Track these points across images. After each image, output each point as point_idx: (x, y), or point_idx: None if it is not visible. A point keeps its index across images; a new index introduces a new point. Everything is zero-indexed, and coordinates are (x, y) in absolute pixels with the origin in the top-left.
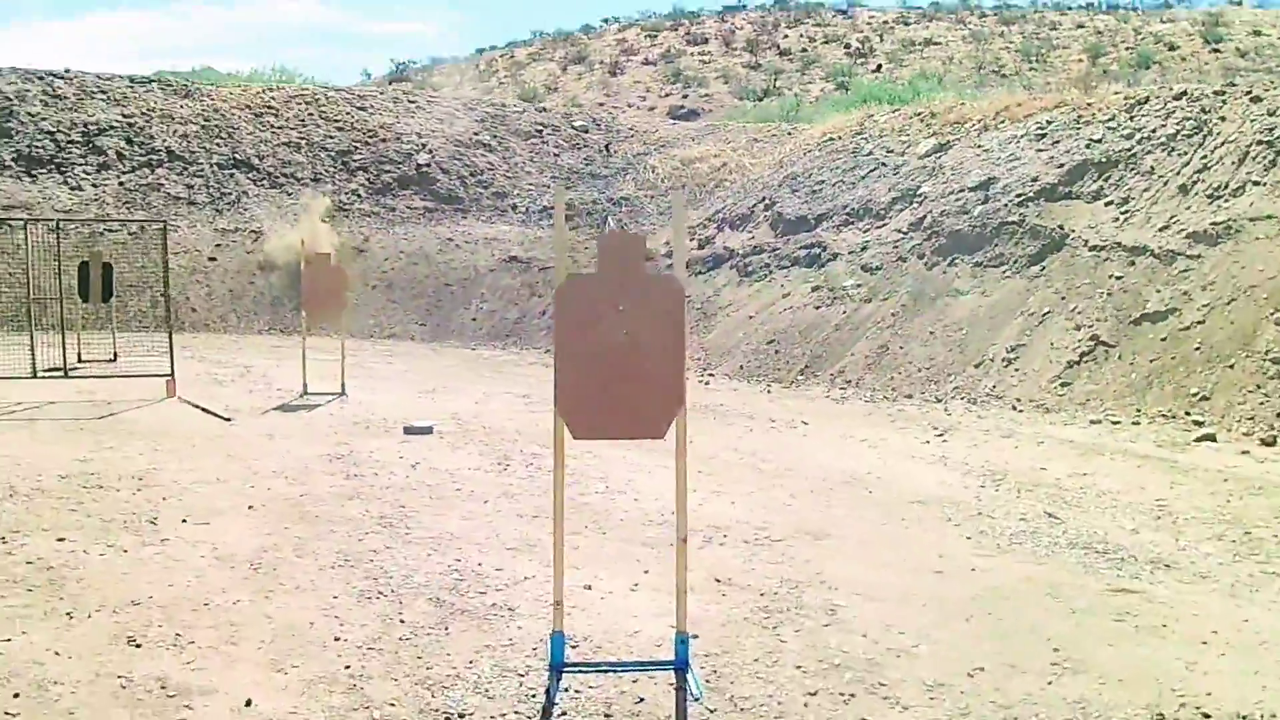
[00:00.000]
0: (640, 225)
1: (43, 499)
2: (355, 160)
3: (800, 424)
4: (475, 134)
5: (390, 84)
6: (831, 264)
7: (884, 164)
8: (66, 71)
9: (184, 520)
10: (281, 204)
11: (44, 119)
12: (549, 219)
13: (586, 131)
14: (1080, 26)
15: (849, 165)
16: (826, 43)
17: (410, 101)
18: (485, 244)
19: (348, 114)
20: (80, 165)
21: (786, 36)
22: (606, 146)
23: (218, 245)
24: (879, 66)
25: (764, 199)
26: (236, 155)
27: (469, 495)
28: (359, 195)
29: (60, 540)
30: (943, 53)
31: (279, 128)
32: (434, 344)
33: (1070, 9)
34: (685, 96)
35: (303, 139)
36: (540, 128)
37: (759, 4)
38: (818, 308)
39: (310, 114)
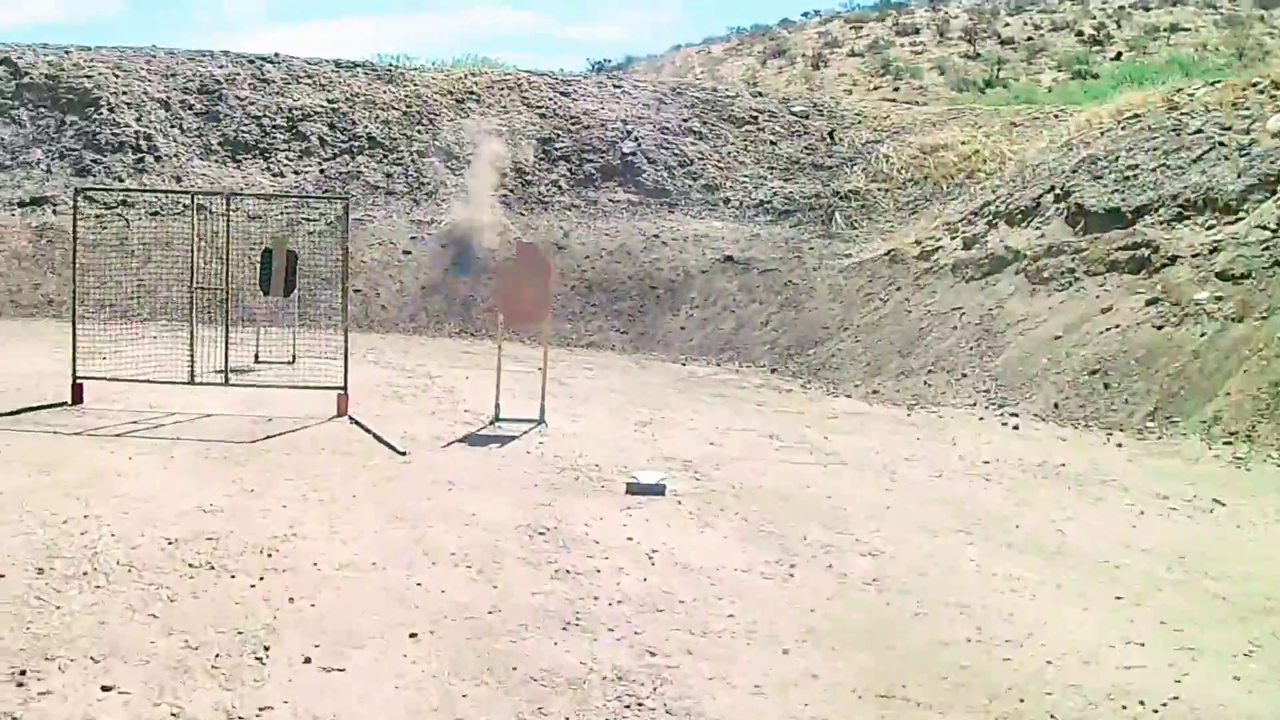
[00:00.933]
0: (874, 222)
1: (126, 584)
2: (557, 149)
3: (1212, 504)
4: (684, 120)
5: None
6: (1169, 270)
7: (1222, 143)
8: (275, 55)
9: (307, 660)
10: (477, 192)
11: (251, 103)
12: (767, 214)
13: (807, 118)
14: None
15: (1170, 146)
16: (1055, 30)
17: (615, 86)
18: (695, 242)
19: (550, 99)
20: (283, 151)
21: (1008, 24)
22: (830, 134)
23: (413, 238)
24: (1119, 54)
25: (1053, 188)
26: (436, 142)
27: (751, 631)
28: (559, 187)
29: (104, 692)
30: (1193, 39)
31: (480, 114)
32: (638, 355)
33: None
34: (896, 89)
35: (504, 125)
36: (756, 114)
37: None
38: (1159, 327)
39: (512, 100)
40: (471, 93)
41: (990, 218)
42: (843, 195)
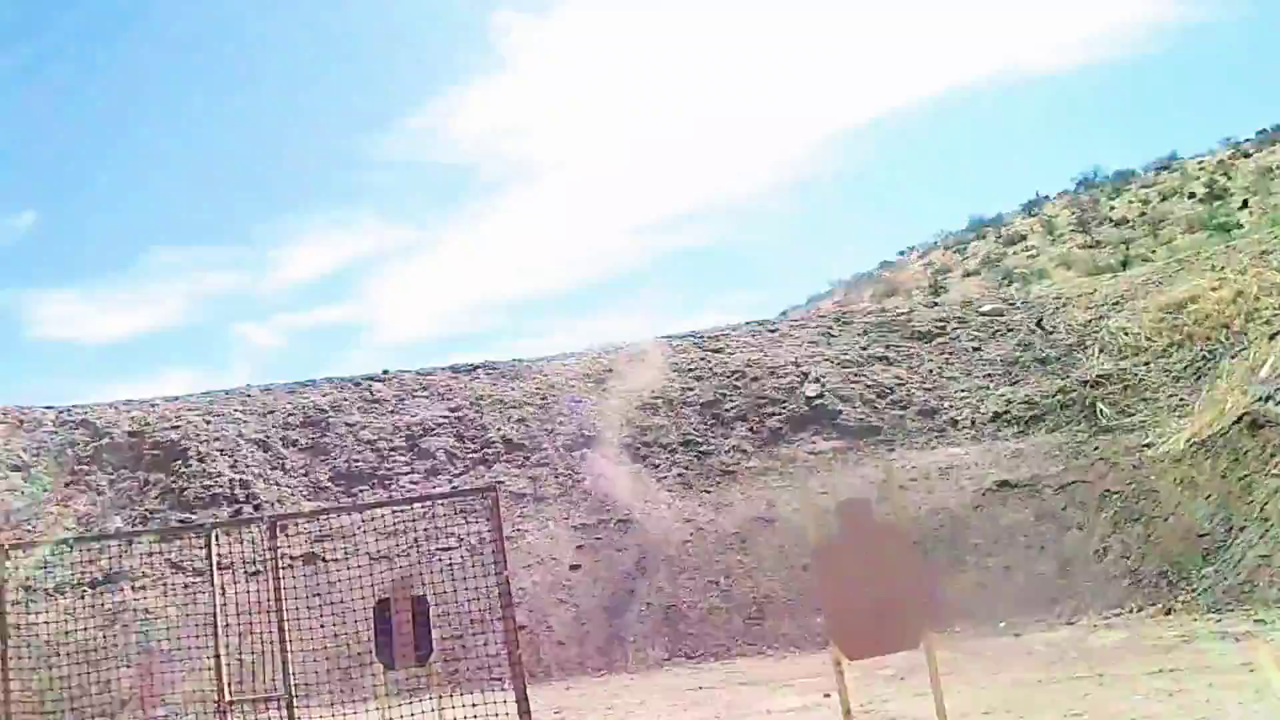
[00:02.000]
0: (1150, 401)
1: None
2: (727, 410)
3: None
4: (864, 349)
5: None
6: None
7: None
8: (385, 373)
9: None
10: (647, 481)
11: (363, 427)
12: (1011, 425)
13: (1000, 315)
14: None
15: None
16: (1164, 200)
17: (771, 331)
18: (943, 476)
19: (702, 360)
20: (405, 475)
21: (1113, 208)
22: (1039, 323)
23: (579, 547)
24: (1245, 202)
25: None
26: (584, 431)
27: None
28: (743, 451)
29: None
30: None
31: (626, 392)
32: (947, 632)
33: None
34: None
35: (658, 398)
36: (941, 323)
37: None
38: None
39: (660, 369)
40: (609, 370)
41: None
42: (1091, 383)
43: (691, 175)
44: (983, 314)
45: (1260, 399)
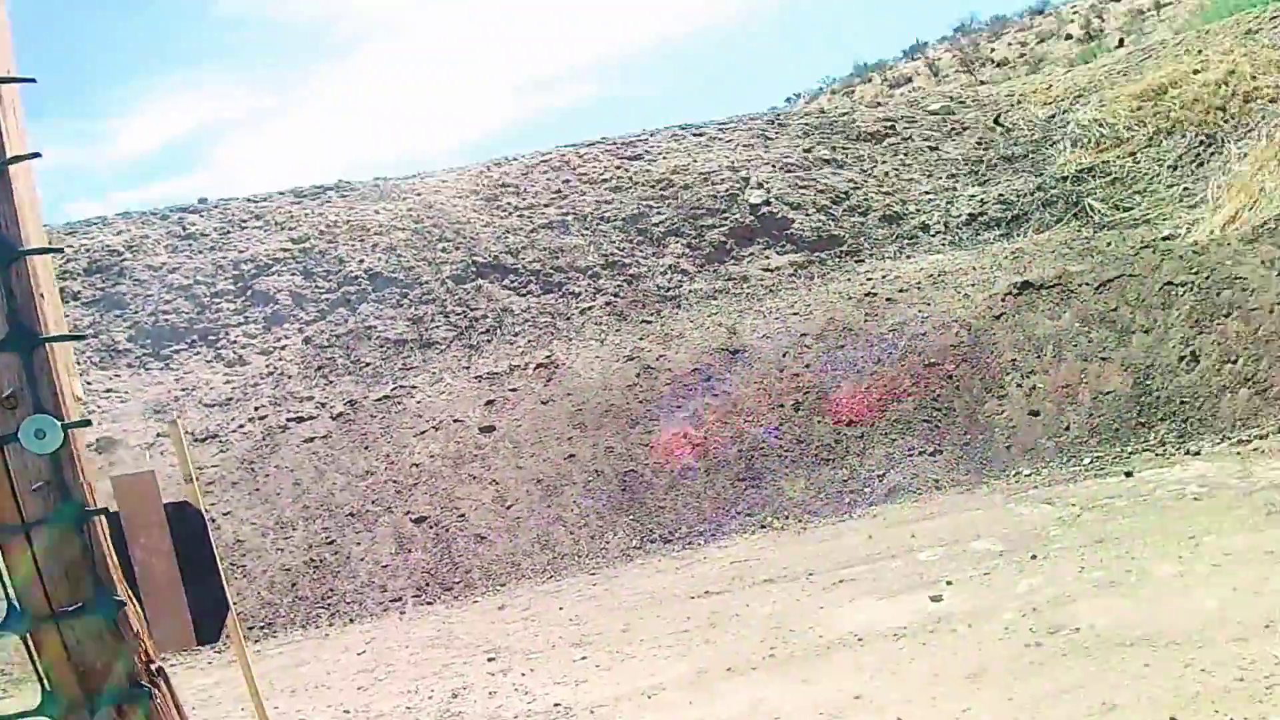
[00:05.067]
0: (1148, 195)
1: None
2: (656, 225)
3: None
4: (806, 151)
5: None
6: None
7: None
8: (202, 202)
9: None
10: (566, 313)
11: (172, 270)
12: (993, 228)
13: (951, 113)
14: None
15: None
16: (1041, 41)
17: (696, 135)
18: (938, 285)
19: (619, 169)
20: (238, 327)
21: (994, 49)
22: (996, 120)
23: (488, 403)
24: (1121, 41)
25: None
26: (476, 257)
27: None
28: (683, 273)
29: None
30: (1185, 7)
31: (526, 208)
32: (981, 485)
33: None
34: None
35: (567, 214)
36: (889, 123)
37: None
38: None
39: (567, 181)
40: (505, 185)
41: None
42: (1071, 179)
43: (573, 31)
44: (932, 113)
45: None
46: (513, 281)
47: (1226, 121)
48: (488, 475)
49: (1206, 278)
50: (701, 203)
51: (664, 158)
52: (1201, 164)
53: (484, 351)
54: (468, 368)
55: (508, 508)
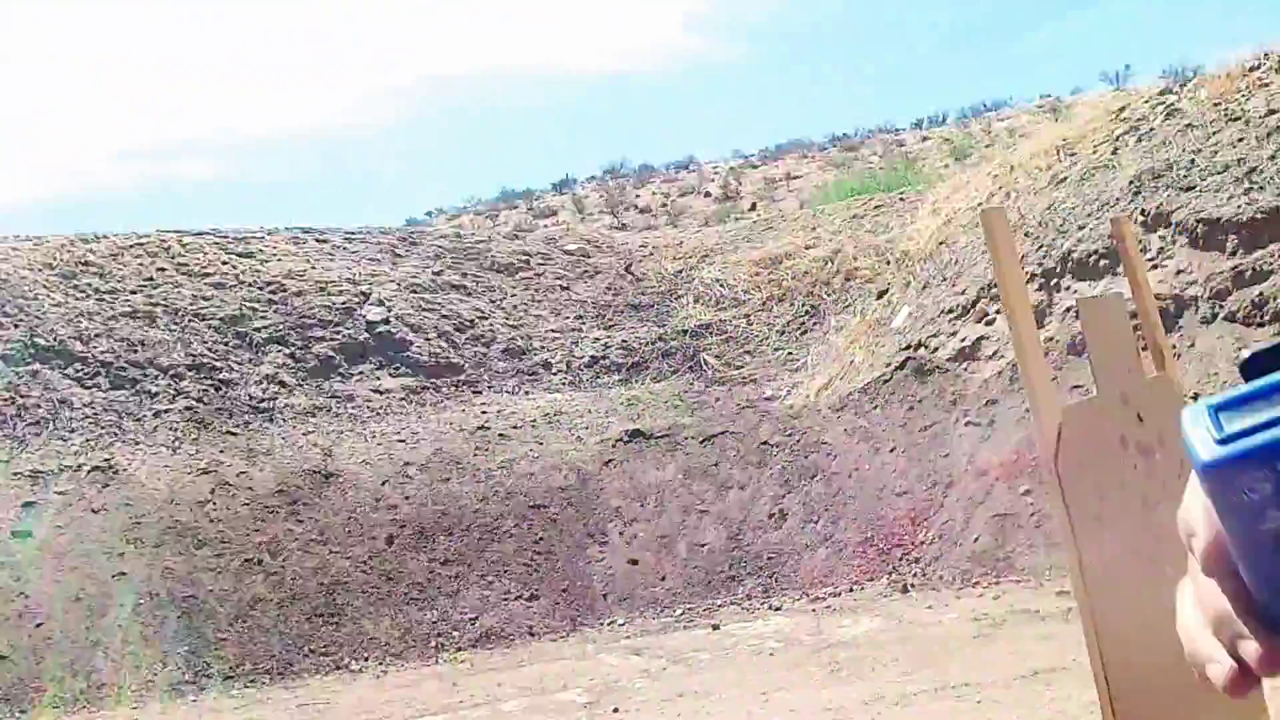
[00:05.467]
0: (758, 356)
1: None
2: (259, 330)
3: None
4: (436, 274)
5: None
6: None
7: None
8: None
9: None
10: (138, 413)
11: None
12: (613, 372)
13: (587, 256)
14: (925, 139)
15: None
16: (683, 195)
17: (320, 240)
18: (552, 424)
19: (226, 264)
20: None
21: (639, 196)
22: (628, 268)
23: (27, 505)
24: (753, 205)
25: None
26: (38, 339)
27: None
28: (282, 384)
29: None
30: (811, 182)
31: (109, 292)
32: (575, 636)
33: (901, 130)
34: None
35: (156, 305)
36: (524, 256)
37: (589, 177)
38: None
39: (163, 270)
40: (88, 263)
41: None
42: (691, 333)
43: (198, 100)
44: (568, 253)
45: (912, 347)
46: (78, 371)
47: (830, 295)
48: (16, 587)
49: (798, 440)
50: (314, 312)
51: (279, 259)
52: (805, 332)
53: (30, 445)
54: (7, 462)
55: (37, 626)
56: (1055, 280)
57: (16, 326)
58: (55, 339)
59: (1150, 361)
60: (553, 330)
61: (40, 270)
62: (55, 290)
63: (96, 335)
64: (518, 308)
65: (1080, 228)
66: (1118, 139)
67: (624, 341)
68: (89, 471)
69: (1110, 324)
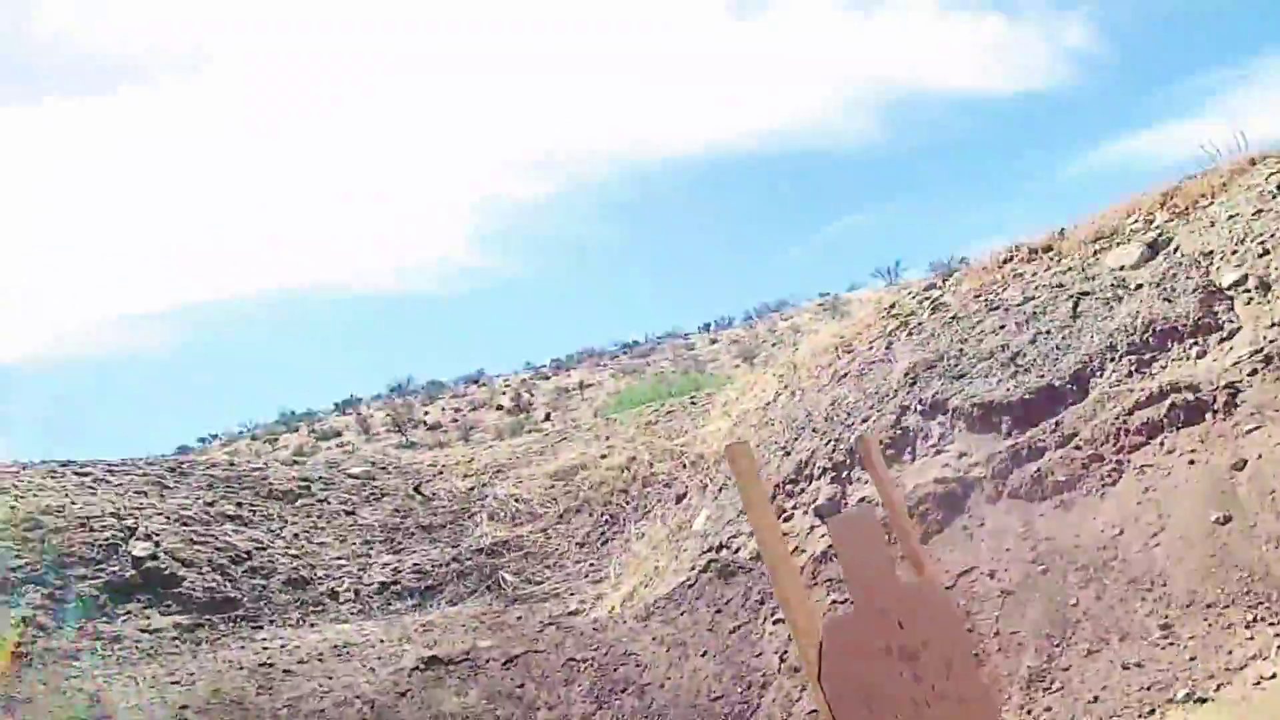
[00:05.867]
0: (558, 569)
1: None
2: (14, 571)
3: None
4: (209, 504)
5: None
6: None
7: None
8: None
9: None
10: None
11: None
12: (406, 598)
13: (372, 479)
14: (714, 341)
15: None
16: (475, 409)
17: (79, 474)
18: (343, 658)
19: None
20: None
21: (428, 412)
22: (417, 488)
23: None
24: (548, 415)
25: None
26: None
27: None
28: (41, 629)
29: None
30: (604, 390)
31: None
32: None
33: (690, 334)
34: None
35: None
36: (304, 483)
37: (375, 395)
38: None
39: None
40: None
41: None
42: (488, 551)
43: None
44: (353, 476)
45: (714, 549)
46: None
47: (628, 503)
48: None
49: (605, 654)
50: (75, 550)
51: (34, 494)
52: (606, 542)
53: None
54: None
55: None
56: (846, 472)
57: None
58: None
59: (908, 568)
60: (338, 558)
61: None
62: None
63: None
64: (299, 536)
65: (863, 420)
66: (890, 333)
67: (415, 565)
68: None
69: (862, 538)
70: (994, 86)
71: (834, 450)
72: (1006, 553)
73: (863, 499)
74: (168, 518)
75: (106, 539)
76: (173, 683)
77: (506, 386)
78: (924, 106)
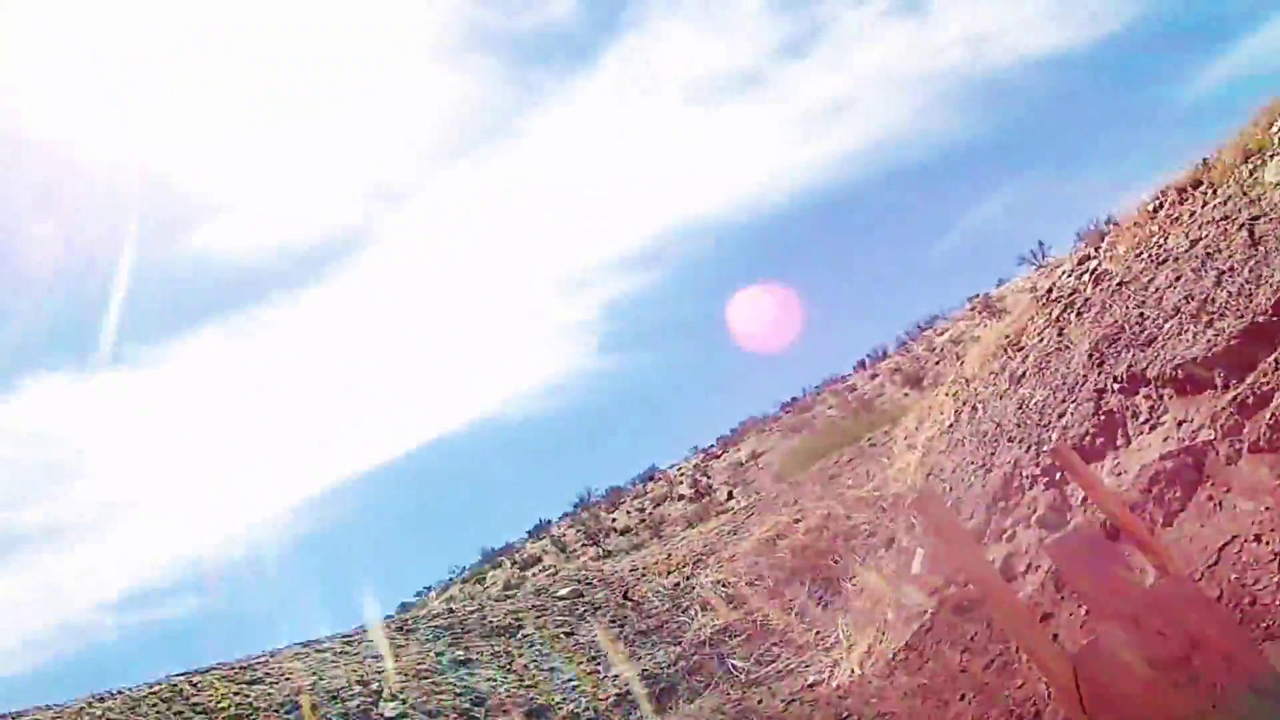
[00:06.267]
0: (784, 647)
1: None
2: None
3: None
4: (439, 654)
5: None
6: None
7: None
8: None
9: None
10: None
11: None
12: (639, 708)
13: (580, 595)
14: (874, 376)
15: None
16: (658, 505)
17: (319, 651)
18: None
19: (238, 695)
20: None
21: (614, 518)
22: (625, 595)
23: None
24: (729, 494)
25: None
26: None
27: None
28: None
29: None
30: (778, 453)
31: None
32: None
33: (848, 375)
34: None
35: None
36: (517, 615)
37: (561, 514)
38: None
39: (180, 713)
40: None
41: None
42: (710, 641)
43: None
44: (561, 598)
45: (941, 587)
46: None
47: (836, 562)
48: None
49: (859, 719)
50: None
51: (287, 679)
52: (825, 606)
53: None
54: None
55: None
56: (1059, 473)
57: None
58: None
59: (1149, 568)
60: (569, 680)
61: None
62: None
63: None
64: (528, 666)
65: (1059, 416)
66: (1058, 319)
67: (644, 670)
68: None
69: (1086, 556)
70: (1069, 40)
71: (1038, 455)
72: (1267, 512)
73: (1086, 499)
74: (406, 674)
75: (357, 706)
76: None
77: (682, 475)
78: (1001, 83)
